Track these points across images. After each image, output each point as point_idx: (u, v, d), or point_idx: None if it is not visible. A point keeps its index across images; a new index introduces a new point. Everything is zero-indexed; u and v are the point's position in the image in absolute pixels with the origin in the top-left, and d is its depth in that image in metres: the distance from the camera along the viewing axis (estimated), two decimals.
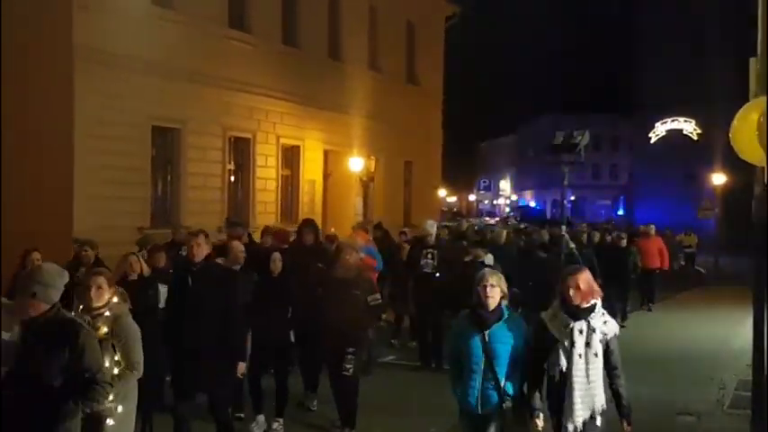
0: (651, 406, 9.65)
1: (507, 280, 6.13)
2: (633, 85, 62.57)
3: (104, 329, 5.56)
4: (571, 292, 5.46)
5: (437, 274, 11.83)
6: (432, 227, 12.52)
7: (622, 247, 17.08)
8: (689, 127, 56.61)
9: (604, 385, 5.64)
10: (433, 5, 27.70)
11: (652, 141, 57.11)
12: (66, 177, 14.77)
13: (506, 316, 5.77)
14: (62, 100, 14.77)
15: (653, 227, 20.61)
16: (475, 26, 49.61)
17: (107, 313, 5.64)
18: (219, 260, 8.42)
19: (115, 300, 5.77)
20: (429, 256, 11.98)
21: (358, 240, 11.18)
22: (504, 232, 16.35)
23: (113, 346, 5.59)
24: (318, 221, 21.14)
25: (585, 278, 5.53)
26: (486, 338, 5.67)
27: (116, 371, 5.56)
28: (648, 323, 16.89)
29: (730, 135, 7.29)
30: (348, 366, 7.99)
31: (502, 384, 5.67)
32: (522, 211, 65.36)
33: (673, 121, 55.74)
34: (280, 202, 20.75)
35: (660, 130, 56.80)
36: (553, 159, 12.90)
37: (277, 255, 8.71)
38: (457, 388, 5.90)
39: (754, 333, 7.81)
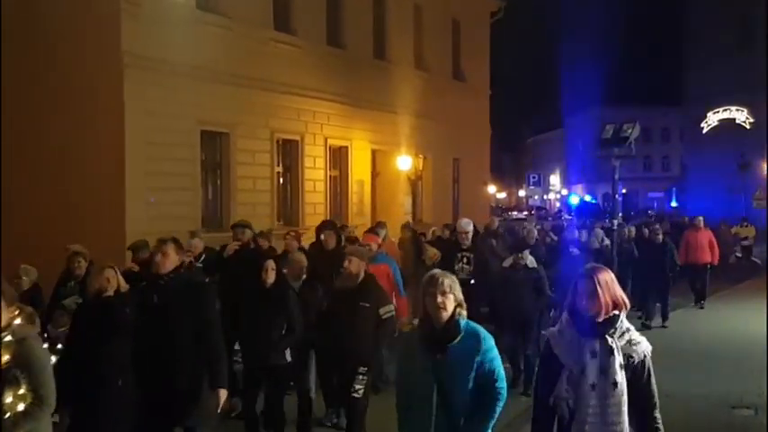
0: (706, 399, 9.56)
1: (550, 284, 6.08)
2: (683, 75, 61.56)
3: (6, 357, 4.55)
4: (583, 300, 4.12)
5: (472, 281, 10.49)
6: (468, 225, 11.32)
7: (658, 243, 15.81)
8: (741, 116, 55.51)
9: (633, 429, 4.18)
10: (477, 2, 27.62)
11: (704, 132, 56.08)
12: (117, 184, 15.03)
13: (464, 332, 4.53)
14: (112, 108, 15.04)
15: (701, 219, 19.30)
16: (520, 21, 49.25)
17: (8, 338, 4.62)
18: (284, 271, 8.00)
19: (18, 321, 4.78)
20: (464, 260, 10.90)
21: (370, 245, 10.05)
22: (536, 230, 15.45)
23: (17, 377, 4.59)
24: (367, 221, 21.46)
25: (605, 280, 4.13)
26: (439, 362, 4.48)
27: (21, 407, 4.56)
28: (703, 315, 16.63)
29: None
30: (358, 388, 7.08)
31: (460, 424, 4.49)
32: (578, 206, 63.50)
33: (725, 110, 54.70)
34: (329, 203, 20.88)
35: (712, 119, 55.78)
36: (603, 153, 12.77)
37: (270, 263, 7.63)
38: (403, 430, 4.73)
39: None
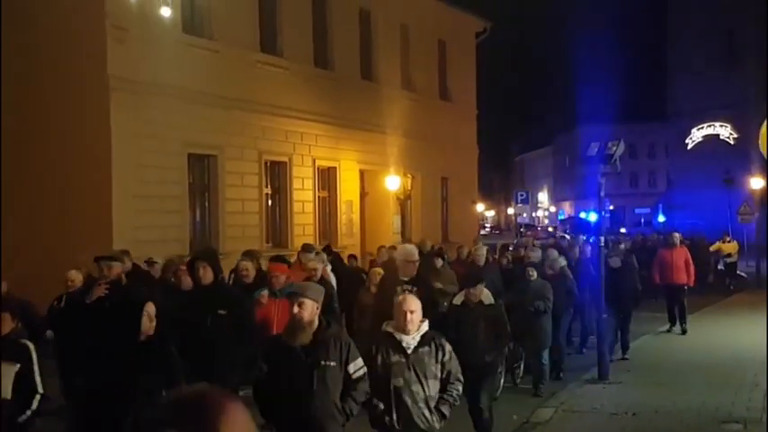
0: (695, 414, 9.59)
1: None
2: (668, 92, 62.04)
3: None
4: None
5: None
6: (412, 253, 8.98)
7: (615, 267, 13.27)
8: (725, 132, 55.96)
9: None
10: (462, 22, 27.81)
11: (689, 147, 56.53)
12: (104, 207, 15.04)
13: None
14: (99, 131, 15.08)
15: (677, 236, 17.50)
16: (506, 41, 49.65)
17: None
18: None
19: None
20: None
21: (277, 276, 8.32)
22: (485, 250, 14.15)
23: None
24: (357, 241, 21.52)
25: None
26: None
27: None
28: (691, 330, 16.69)
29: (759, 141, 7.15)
30: None
31: None
32: (572, 222, 61.84)
33: (709, 126, 55.16)
34: (318, 224, 20.89)
35: (696, 135, 56.24)
36: (589, 171, 12.88)
37: (151, 307, 6.13)
38: None
39: None
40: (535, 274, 11.29)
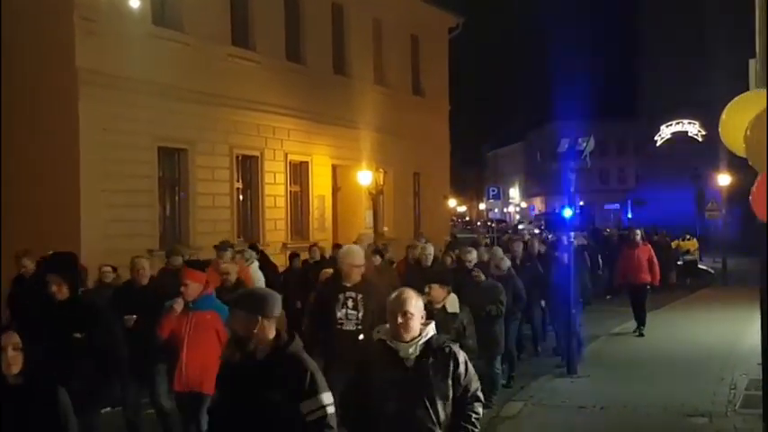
0: (662, 407, 9.71)
1: None
2: (637, 89, 62.64)
3: None
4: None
5: (361, 337, 7.16)
6: (357, 255, 7.81)
7: (565, 263, 12.34)
8: (693, 129, 56.60)
9: None
10: (435, 17, 27.83)
11: (658, 144, 57.18)
12: (73, 202, 14.89)
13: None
14: (67, 125, 14.92)
15: (639, 232, 16.74)
16: (478, 36, 49.78)
17: None
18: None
19: None
20: (349, 303, 7.45)
21: (191, 286, 7.13)
22: (433, 249, 12.80)
23: None
24: (329, 236, 21.48)
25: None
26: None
27: None
28: (658, 325, 16.89)
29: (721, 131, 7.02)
30: None
31: None
32: (547, 218, 59.10)
33: (677, 123, 55.83)
34: (290, 219, 20.84)
35: (665, 132, 56.92)
36: (559, 167, 12.97)
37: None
38: None
39: (762, 333, 7.84)
40: (482, 275, 10.41)
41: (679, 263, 25.29)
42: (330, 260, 13.01)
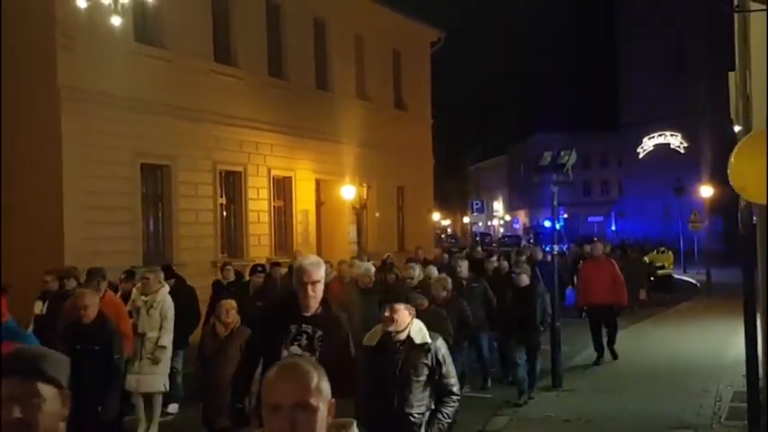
0: (647, 420, 9.71)
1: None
2: (620, 102, 63.09)
3: None
4: None
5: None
6: (317, 270, 5.41)
7: (522, 286, 11.01)
8: (675, 141, 57.02)
9: None
10: (417, 32, 27.94)
11: (640, 156, 57.59)
12: (55, 219, 14.79)
13: None
14: (49, 142, 14.86)
15: (600, 246, 14.96)
16: (460, 50, 50.01)
17: None
18: None
19: None
20: (303, 338, 5.32)
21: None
22: (373, 269, 11.33)
23: None
24: (313, 251, 21.40)
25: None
26: None
27: None
28: (642, 336, 16.90)
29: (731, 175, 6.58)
30: None
31: None
32: (536, 231, 58.66)
33: (659, 135, 56.27)
34: (273, 234, 20.78)
35: (648, 144, 57.34)
36: (541, 180, 13.00)
37: None
38: None
39: (746, 345, 7.86)
40: (426, 301, 8.32)
41: (652, 278, 23.22)
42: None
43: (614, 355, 13.95)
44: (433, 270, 10.87)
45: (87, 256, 14.44)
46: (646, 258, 23.60)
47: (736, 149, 6.74)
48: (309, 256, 6.02)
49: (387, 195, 26.20)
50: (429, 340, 5.45)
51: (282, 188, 21.44)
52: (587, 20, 74.84)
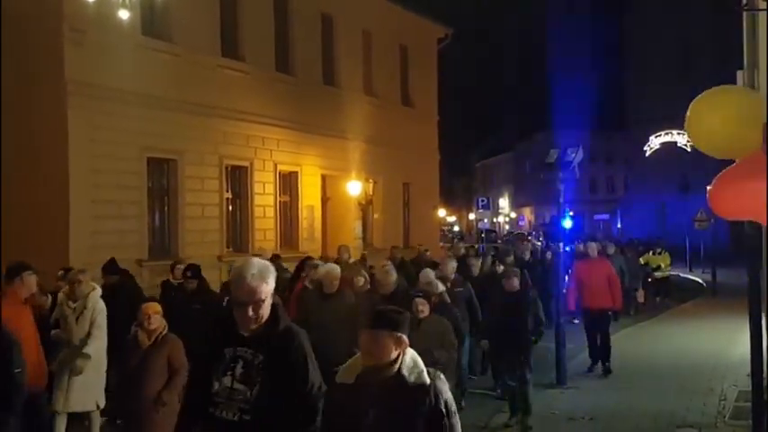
0: (651, 418, 9.70)
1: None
2: (627, 100, 62.96)
3: None
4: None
5: None
6: (263, 281, 4.03)
7: (512, 291, 9.77)
8: (682, 139, 56.74)
9: None
10: (424, 28, 27.91)
11: (647, 155, 57.45)
12: (62, 212, 14.83)
13: None
14: (56, 136, 14.88)
15: (594, 246, 13.71)
16: (467, 47, 49.99)
17: None
18: None
19: None
20: (240, 364, 3.98)
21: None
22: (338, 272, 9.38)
23: None
24: (318, 246, 21.44)
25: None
26: None
27: None
28: (646, 334, 16.86)
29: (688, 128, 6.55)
30: None
31: None
32: (545, 229, 55.46)
33: (666, 133, 56.08)
34: (279, 229, 20.80)
35: (654, 143, 57.13)
36: (548, 177, 12.98)
37: None
38: None
39: (751, 344, 7.84)
40: (427, 308, 7.78)
41: (649, 280, 22.06)
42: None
43: (607, 370, 12.57)
44: (430, 274, 9.53)
45: (93, 251, 14.49)
46: (641, 260, 22.39)
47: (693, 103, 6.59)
48: (251, 259, 4.14)
49: (393, 191, 26.21)
50: (427, 380, 3.85)
51: (288, 183, 21.46)
52: (596, 18, 74.66)
